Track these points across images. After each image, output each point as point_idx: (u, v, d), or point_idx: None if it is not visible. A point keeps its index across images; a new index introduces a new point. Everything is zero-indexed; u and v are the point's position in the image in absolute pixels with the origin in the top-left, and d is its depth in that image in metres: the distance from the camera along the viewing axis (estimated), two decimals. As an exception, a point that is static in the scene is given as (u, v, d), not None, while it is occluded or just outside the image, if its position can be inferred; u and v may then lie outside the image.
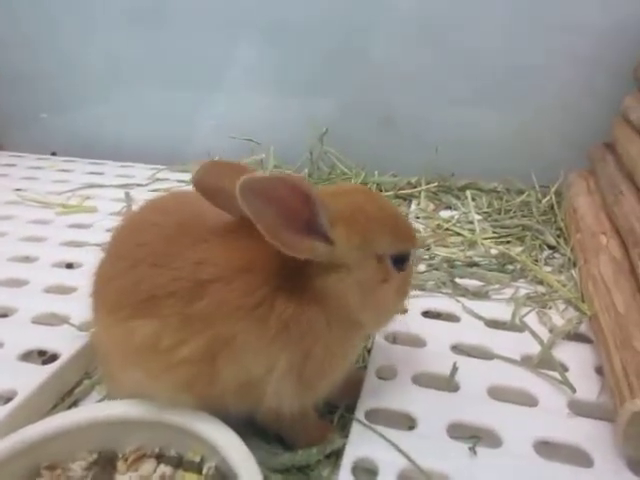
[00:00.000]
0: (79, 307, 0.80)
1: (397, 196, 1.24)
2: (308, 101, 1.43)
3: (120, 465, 0.58)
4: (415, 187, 1.27)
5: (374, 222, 0.54)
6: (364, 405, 0.64)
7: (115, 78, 1.55)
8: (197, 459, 0.58)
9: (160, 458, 0.58)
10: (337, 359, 0.56)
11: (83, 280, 0.86)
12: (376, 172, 1.33)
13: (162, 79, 1.52)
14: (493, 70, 1.30)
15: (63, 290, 0.85)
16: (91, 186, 1.27)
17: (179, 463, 0.58)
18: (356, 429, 0.61)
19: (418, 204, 1.20)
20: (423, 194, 1.23)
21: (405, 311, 0.80)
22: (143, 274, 0.54)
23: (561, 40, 1.23)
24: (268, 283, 0.52)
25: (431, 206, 1.20)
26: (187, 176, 1.36)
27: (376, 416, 0.63)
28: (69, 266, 0.94)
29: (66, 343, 0.73)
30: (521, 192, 1.22)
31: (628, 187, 0.92)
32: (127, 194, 1.21)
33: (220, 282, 0.52)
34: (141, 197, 1.22)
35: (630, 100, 1.07)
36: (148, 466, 0.57)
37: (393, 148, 1.39)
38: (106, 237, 0.99)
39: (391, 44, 1.33)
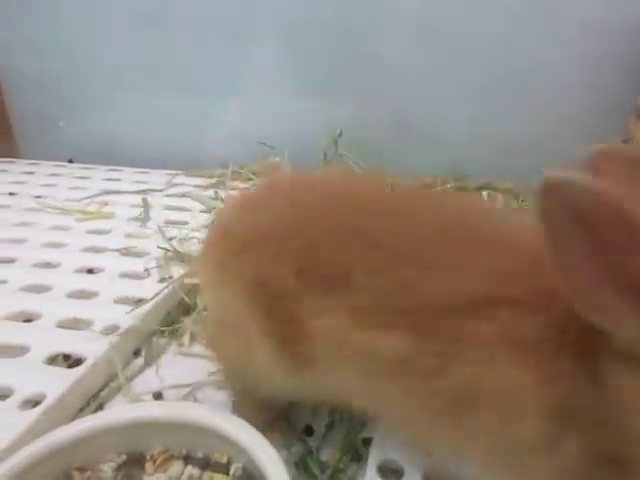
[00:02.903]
0: (101, 311, 0.81)
1: (412, 197, 1.24)
2: (323, 104, 1.44)
3: (148, 466, 0.58)
4: (430, 188, 1.26)
5: None
6: None
7: (129, 84, 1.57)
8: (224, 460, 0.58)
9: (187, 459, 0.59)
10: None
11: (104, 285, 0.89)
12: (390, 173, 1.33)
13: (176, 84, 1.53)
14: (505, 68, 1.30)
15: (85, 295, 0.86)
16: (109, 192, 1.29)
17: (206, 464, 0.58)
18: None
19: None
20: (439, 194, 1.23)
21: None
22: (411, 276, 0.43)
23: (572, 36, 1.23)
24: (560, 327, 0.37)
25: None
26: (203, 181, 1.37)
27: None
28: (90, 271, 0.95)
29: (90, 347, 0.74)
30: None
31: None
32: (144, 200, 1.23)
33: (516, 307, 0.38)
34: (158, 202, 1.23)
35: None
36: (176, 467, 0.58)
37: (408, 149, 1.39)
38: (125, 242, 1.02)
39: (404, 45, 1.34)
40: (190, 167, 1.45)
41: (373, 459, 0.57)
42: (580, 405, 0.36)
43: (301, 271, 0.48)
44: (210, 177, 1.39)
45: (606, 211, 0.29)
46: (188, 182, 1.37)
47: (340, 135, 1.35)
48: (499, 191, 1.26)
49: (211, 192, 1.29)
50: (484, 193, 1.23)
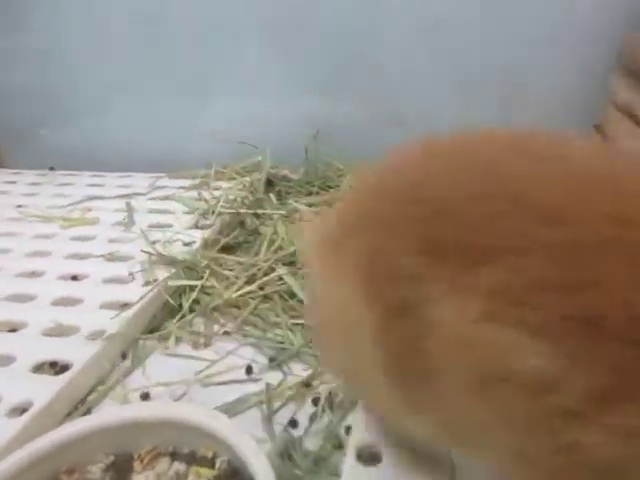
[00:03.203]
0: (87, 317, 0.82)
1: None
2: (305, 102, 1.44)
3: (136, 465, 0.59)
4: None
5: None
6: None
7: (107, 90, 1.57)
8: (210, 455, 0.59)
9: (174, 456, 0.60)
10: None
11: (89, 291, 0.90)
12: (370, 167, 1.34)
13: (155, 87, 1.53)
14: (489, 66, 1.32)
15: (70, 302, 0.87)
16: (92, 198, 1.29)
17: (192, 459, 0.60)
18: None
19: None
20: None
21: None
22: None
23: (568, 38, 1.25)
24: None
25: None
26: (187, 182, 1.37)
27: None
28: (74, 278, 0.96)
29: (77, 353, 0.75)
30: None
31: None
32: (128, 204, 1.23)
33: None
34: (142, 206, 1.24)
35: (616, 83, 1.09)
36: (163, 464, 0.59)
37: (386, 142, 1.40)
38: (109, 247, 1.02)
39: (391, 43, 1.35)
40: (173, 169, 1.45)
41: (352, 445, 0.58)
42: None
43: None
44: (193, 178, 1.40)
45: None
46: (171, 184, 1.38)
47: (319, 133, 1.36)
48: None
49: (194, 193, 1.30)
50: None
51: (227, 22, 1.42)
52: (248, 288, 0.93)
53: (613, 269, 0.30)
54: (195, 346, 0.83)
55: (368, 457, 0.58)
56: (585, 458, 0.30)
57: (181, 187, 1.35)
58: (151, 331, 0.86)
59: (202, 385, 0.75)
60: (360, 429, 0.61)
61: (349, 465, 0.56)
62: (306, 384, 0.73)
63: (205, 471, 0.59)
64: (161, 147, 1.54)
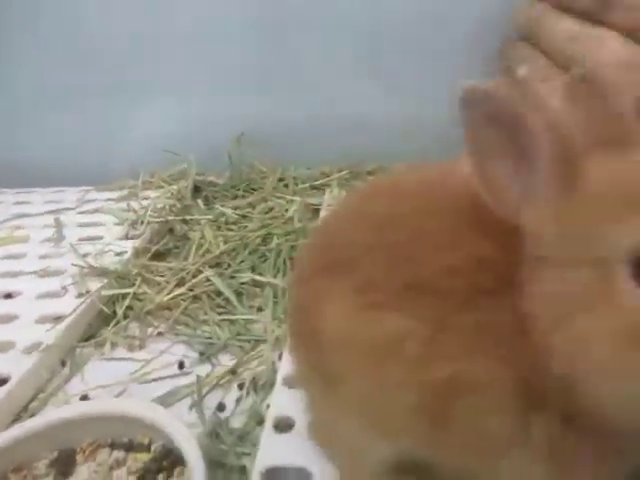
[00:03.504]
0: (23, 332, 0.88)
1: (312, 187, 1.35)
2: (226, 105, 1.49)
3: (79, 458, 0.67)
4: (328, 176, 1.38)
5: (609, 195, 0.34)
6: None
7: (26, 103, 1.57)
8: (146, 441, 0.67)
9: (113, 446, 0.68)
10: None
11: (23, 307, 0.95)
12: (292, 167, 1.44)
13: (75, 98, 1.54)
14: (390, 54, 1.42)
15: (5, 319, 0.92)
16: (20, 216, 1.32)
17: (131, 447, 0.68)
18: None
19: (331, 192, 1.32)
20: (335, 182, 1.35)
21: None
22: (414, 253, 0.42)
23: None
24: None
25: (344, 193, 1.32)
26: (115, 194, 1.41)
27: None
28: (8, 296, 1.00)
29: (14, 366, 0.80)
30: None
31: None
32: (57, 219, 1.27)
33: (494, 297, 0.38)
34: (71, 220, 1.28)
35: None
36: (103, 454, 0.67)
37: (307, 142, 1.49)
38: (41, 263, 1.07)
39: (300, 44, 1.43)
40: (101, 180, 1.48)
41: (270, 418, 0.68)
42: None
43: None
44: (122, 189, 1.44)
45: (511, 114, 0.34)
46: (100, 197, 1.41)
47: (241, 137, 1.44)
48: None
49: (124, 204, 1.35)
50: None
51: (148, 33, 1.46)
52: (178, 291, 1.01)
53: (422, 253, 0.41)
54: (130, 349, 0.90)
55: (284, 427, 0.68)
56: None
57: (110, 199, 1.39)
58: (87, 339, 0.92)
59: (138, 383, 0.83)
60: (278, 404, 0.71)
61: (266, 435, 0.66)
62: (232, 372, 0.82)
63: (142, 456, 0.67)
64: (87, 160, 1.56)
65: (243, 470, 0.66)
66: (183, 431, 0.64)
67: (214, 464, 0.66)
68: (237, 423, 0.73)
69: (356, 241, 0.46)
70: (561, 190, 0.35)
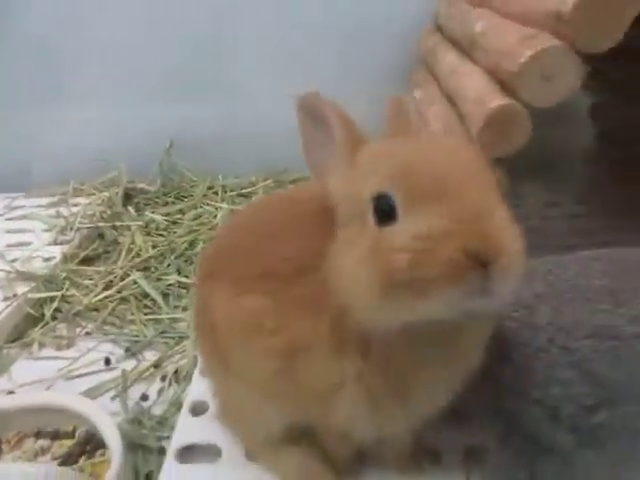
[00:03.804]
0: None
1: (239, 195, 1.44)
2: (156, 111, 1.54)
3: (4, 447, 0.72)
4: (254, 185, 1.47)
5: (363, 167, 0.46)
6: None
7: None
8: (70, 429, 0.74)
9: (38, 435, 0.73)
10: (392, 372, 0.49)
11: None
12: (220, 176, 1.52)
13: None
14: (315, 71, 1.52)
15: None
16: (-53, 224, 1.32)
17: (56, 436, 0.74)
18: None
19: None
20: (261, 190, 1.44)
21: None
22: (265, 248, 0.54)
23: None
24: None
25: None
26: (45, 200, 1.44)
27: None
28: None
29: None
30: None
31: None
32: (-15, 226, 1.29)
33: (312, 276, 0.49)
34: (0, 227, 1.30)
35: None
36: (28, 443, 0.72)
37: (235, 153, 1.57)
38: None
39: (231, 60, 1.51)
40: (27, 187, 1.50)
41: (187, 403, 0.76)
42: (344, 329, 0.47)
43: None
44: (52, 196, 1.46)
45: (321, 115, 0.47)
46: (29, 203, 1.43)
47: (171, 146, 1.50)
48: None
49: (53, 211, 1.38)
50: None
51: (77, 42, 1.49)
52: (106, 293, 1.07)
53: (269, 249, 0.54)
54: (58, 348, 0.95)
55: (199, 411, 0.76)
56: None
57: (39, 205, 1.42)
58: (14, 340, 0.96)
59: (65, 380, 0.88)
60: (195, 391, 0.78)
61: (182, 418, 0.74)
62: (156, 366, 0.89)
63: (66, 442, 0.73)
64: (15, 166, 1.56)
65: (162, 451, 0.73)
66: (104, 417, 0.71)
67: (135, 446, 0.74)
68: (159, 411, 0.81)
69: (231, 247, 0.59)
70: (346, 166, 0.47)
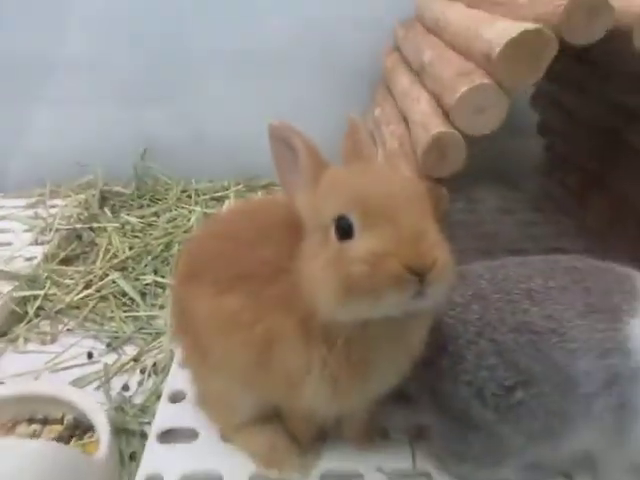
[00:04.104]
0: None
1: (212, 199, 1.52)
2: (132, 117, 1.60)
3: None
4: (227, 189, 1.55)
5: (325, 189, 0.56)
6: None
7: None
8: (59, 416, 0.81)
9: (31, 421, 0.81)
10: (352, 360, 0.58)
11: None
12: (193, 180, 1.59)
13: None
14: (287, 80, 1.60)
15: None
16: None
17: (46, 422, 0.81)
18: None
19: (230, 203, 1.49)
20: (233, 195, 1.52)
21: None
22: (243, 253, 0.62)
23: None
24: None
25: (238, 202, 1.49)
26: (22, 202, 1.49)
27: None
28: None
29: None
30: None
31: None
32: (-36, 227, 1.33)
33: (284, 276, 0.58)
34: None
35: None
36: (22, 428, 0.80)
37: (209, 158, 1.64)
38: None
39: (205, 65, 1.57)
40: (7, 188, 1.55)
41: (166, 391, 0.84)
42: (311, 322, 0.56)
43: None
44: (29, 197, 1.52)
45: (297, 142, 0.56)
46: (7, 204, 1.48)
47: (145, 153, 1.57)
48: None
49: (31, 212, 1.43)
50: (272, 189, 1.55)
51: (53, 45, 1.54)
52: (86, 292, 1.14)
53: (246, 254, 0.62)
54: (43, 343, 1.02)
55: (178, 398, 0.84)
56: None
57: (17, 206, 1.46)
58: (1, 336, 1.03)
59: (50, 372, 0.95)
60: (173, 381, 0.87)
61: (162, 404, 0.82)
62: (135, 359, 0.97)
63: (56, 427, 0.81)
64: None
65: (144, 435, 0.82)
66: (91, 403, 0.80)
67: (119, 430, 0.82)
68: (139, 400, 0.89)
69: (209, 252, 0.67)
70: (310, 187, 0.56)
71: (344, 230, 0.52)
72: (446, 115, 0.77)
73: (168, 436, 0.79)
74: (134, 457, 0.79)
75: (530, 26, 0.67)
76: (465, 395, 0.63)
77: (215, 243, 0.68)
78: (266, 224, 0.64)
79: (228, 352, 0.63)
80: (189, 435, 0.79)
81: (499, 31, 0.72)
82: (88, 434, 0.79)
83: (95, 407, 0.78)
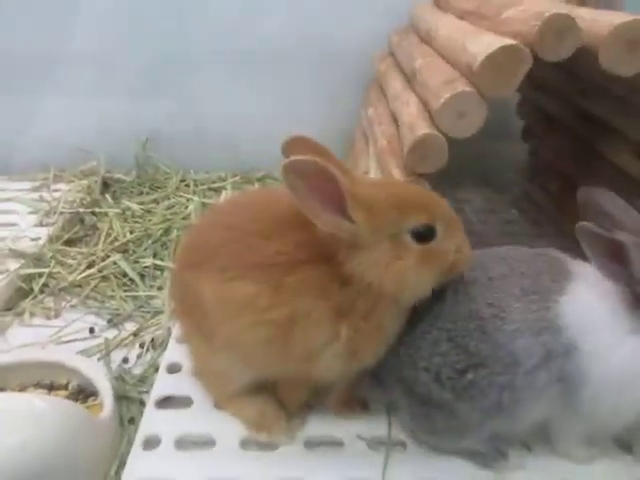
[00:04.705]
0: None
1: (209, 189, 1.58)
2: (135, 108, 1.66)
3: (9, 395, 0.86)
4: (224, 181, 1.62)
5: (385, 208, 0.63)
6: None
7: None
8: (64, 382, 0.88)
9: (37, 386, 0.87)
10: (379, 331, 0.68)
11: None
12: (192, 170, 1.66)
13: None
14: (284, 77, 1.66)
15: None
16: None
17: (52, 387, 0.88)
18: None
19: (226, 194, 1.56)
20: (230, 186, 1.59)
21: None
22: (250, 245, 0.67)
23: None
24: (331, 272, 0.65)
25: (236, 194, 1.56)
26: (27, 185, 1.54)
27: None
28: None
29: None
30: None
31: (375, 169, 1.33)
32: (-31, 206, 1.39)
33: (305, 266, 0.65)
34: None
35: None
36: (29, 392, 0.86)
37: (207, 149, 1.71)
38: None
39: (205, 59, 1.63)
40: (12, 172, 1.60)
41: (163, 364, 0.91)
42: (346, 306, 0.65)
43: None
44: (34, 181, 1.57)
45: (322, 173, 0.58)
46: (11, 187, 1.54)
47: (147, 142, 1.63)
48: (279, 180, 1.65)
49: (36, 195, 1.49)
50: (267, 182, 1.62)
51: (59, 34, 1.58)
52: (89, 272, 1.20)
53: (259, 244, 0.68)
54: (47, 317, 1.09)
55: (174, 370, 0.91)
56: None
57: (22, 189, 1.52)
58: (7, 310, 1.09)
59: (55, 344, 1.02)
60: (170, 354, 0.94)
61: (160, 374, 0.89)
62: (135, 334, 1.04)
63: (61, 392, 0.87)
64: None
65: (143, 402, 0.89)
66: (95, 370, 0.87)
67: (120, 397, 0.89)
68: (138, 371, 0.96)
69: (211, 241, 0.72)
70: (357, 208, 0.62)
71: (424, 235, 0.65)
72: (431, 118, 0.84)
73: (165, 403, 0.86)
74: (133, 422, 0.86)
75: (508, 42, 0.75)
76: (425, 380, 0.70)
77: (217, 233, 0.72)
78: (268, 216, 0.70)
79: (238, 334, 0.68)
80: (185, 402, 0.85)
81: (483, 45, 0.80)
82: (91, 398, 0.85)
83: (99, 373, 0.85)
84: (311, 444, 0.79)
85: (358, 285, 0.65)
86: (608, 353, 0.64)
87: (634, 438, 0.76)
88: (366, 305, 0.65)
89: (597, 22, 0.75)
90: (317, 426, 0.80)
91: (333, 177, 0.59)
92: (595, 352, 0.64)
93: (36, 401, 0.72)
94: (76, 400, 0.86)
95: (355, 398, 0.83)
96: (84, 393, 0.87)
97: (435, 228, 0.65)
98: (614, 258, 0.63)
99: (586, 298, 0.66)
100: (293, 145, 0.68)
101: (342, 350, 0.67)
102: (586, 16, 0.78)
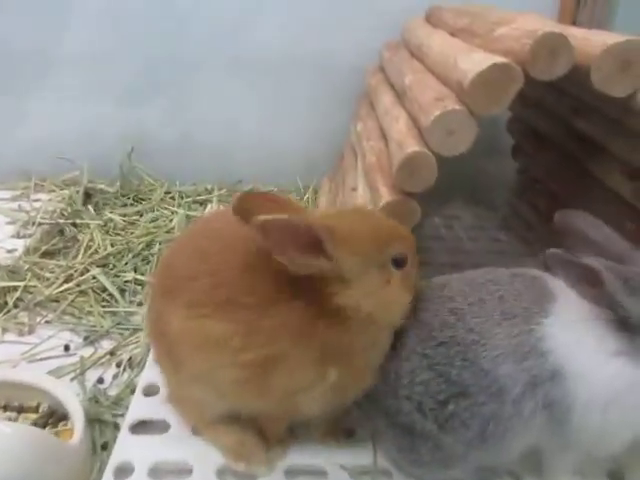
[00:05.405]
0: None
1: (195, 201, 1.55)
2: (121, 116, 1.63)
3: (-25, 417, 0.81)
4: (210, 193, 1.59)
5: (368, 240, 0.64)
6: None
7: None
8: (34, 404, 0.84)
9: (6, 408, 0.83)
10: (370, 366, 0.68)
11: None
12: (177, 182, 1.63)
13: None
14: (273, 91, 1.65)
15: None
16: None
17: (21, 409, 0.84)
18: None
19: (212, 207, 1.53)
20: (215, 199, 1.56)
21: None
22: (225, 279, 0.64)
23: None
24: (314, 309, 0.62)
25: (222, 208, 1.53)
26: (7, 194, 1.50)
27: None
28: None
29: None
30: (289, 192, 1.61)
31: (363, 185, 1.29)
32: (-54, 216, 1.35)
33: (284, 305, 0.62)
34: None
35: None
36: (-3, 414, 0.82)
37: (193, 161, 1.68)
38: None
39: (194, 71, 1.61)
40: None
41: (140, 385, 0.87)
42: (334, 344, 0.63)
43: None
44: (14, 190, 1.53)
45: (302, 228, 0.58)
46: (-10, 196, 1.50)
47: (132, 151, 1.60)
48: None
49: (15, 204, 1.45)
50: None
51: (44, 41, 1.55)
52: (66, 286, 1.16)
53: (231, 279, 0.64)
54: (20, 334, 1.04)
55: (151, 392, 0.87)
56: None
57: (1, 198, 1.48)
58: (-21, 325, 1.04)
59: (27, 362, 0.98)
60: (147, 375, 0.90)
61: (136, 397, 0.85)
62: (112, 353, 1.00)
63: (31, 415, 0.83)
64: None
65: (117, 426, 0.85)
66: (67, 392, 0.82)
67: (92, 421, 0.85)
68: (114, 392, 0.92)
69: (183, 271, 0.68)
70: (341, 249, 0.61)
71: (401, 261, 0.67)
72: (421, 136, 0.82)
73: (140, 428, 0.82)
74: (106, 447, 0.82)
75: (499, 60, 0.73)
76: (408, 409, 0.67)
77: (190, 262, 0.68)
78: (245, 246, 0.65)
79: (209, 371, 0.65)
80: (161, 427, 0.82)
81: (474, 62, 0.78)
82: (62, 422, 0.81)
83: (70, 396, 0.81)
84: (292, 473, 0.75)
85: (349, 320, 0.63)
86: (593, 376, 0.62)
87: (627, 470, 0.74)
88: (359, 341, 0.65)
89: (590, 41, 0.74)
90: (299, 455, 0.77)
91: (309, 228, 0.58)
92: (581, 375, 0.62)
93: (1, 427, 0.68)
94: (47, 424, 0.82)
95: (340, 428, 0.80)
96: (55, 416, 0.83)
97: (405, 255, 0.68)
98: (591, 283, 0.61)
99: (569, 319, 0.64)
100: (245, 203, 0.64)
101: (329, 390, 0.65)
102: (579, 35, 0.77)
